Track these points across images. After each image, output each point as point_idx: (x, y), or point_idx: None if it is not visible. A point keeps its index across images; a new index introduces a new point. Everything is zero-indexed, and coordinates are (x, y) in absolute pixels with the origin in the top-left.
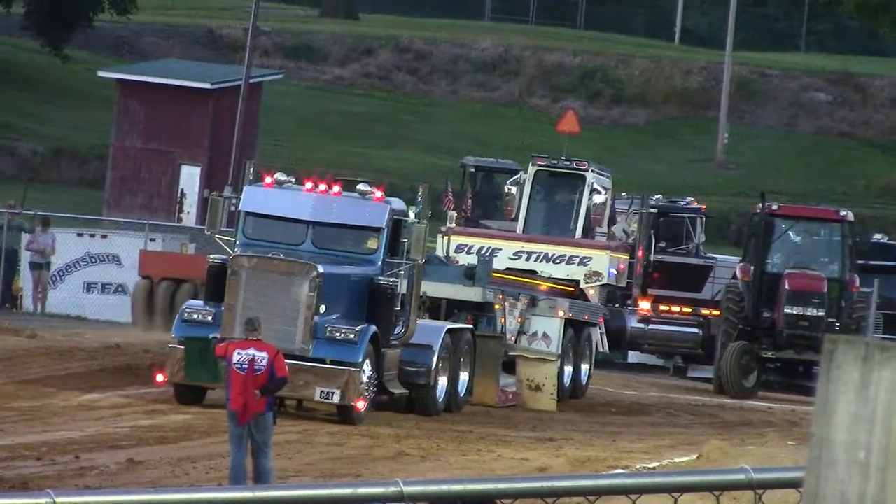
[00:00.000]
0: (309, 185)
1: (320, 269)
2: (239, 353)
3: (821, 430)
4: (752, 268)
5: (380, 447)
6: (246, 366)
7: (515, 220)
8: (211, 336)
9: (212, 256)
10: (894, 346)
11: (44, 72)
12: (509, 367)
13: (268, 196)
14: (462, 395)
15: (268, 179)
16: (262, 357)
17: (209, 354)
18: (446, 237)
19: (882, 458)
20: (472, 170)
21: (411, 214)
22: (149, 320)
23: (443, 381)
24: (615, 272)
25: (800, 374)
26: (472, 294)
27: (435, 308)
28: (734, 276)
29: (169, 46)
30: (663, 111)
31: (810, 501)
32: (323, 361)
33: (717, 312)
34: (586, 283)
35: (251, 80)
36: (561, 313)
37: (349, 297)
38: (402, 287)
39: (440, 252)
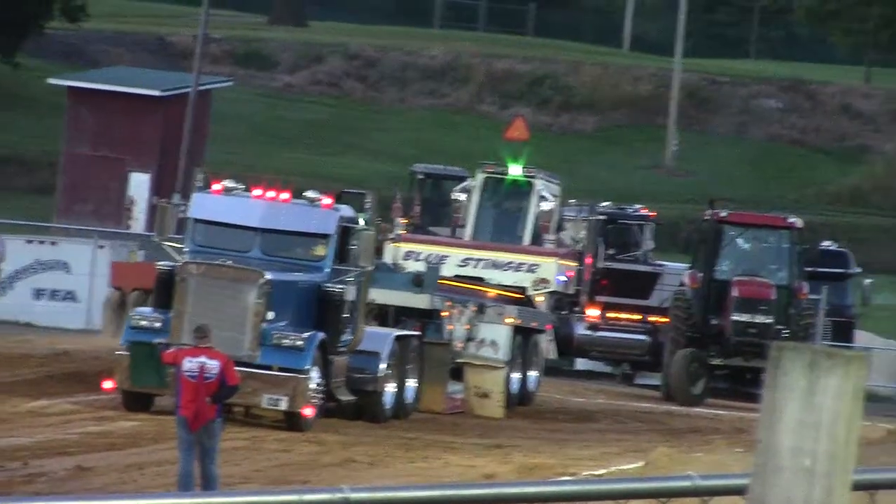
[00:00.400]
0: (258, 192)
1: (268, 276)
2: (189, 361)
3: (767, 436)
4: (701, 275)
5: (327, 454)
6: (196, 373)
7: (464, 227)
8: (156, 341)
9: (160, 263)
10: (840, 354)
11: None
12: (457, 373)
13: (216, 203)
14: (410, 402)
15: (216, 186)
16: (213, 365)
17: (155, 360)
18: (395, 244)
19: (827, 464)
20: (421, 177)
21: (360, 221)
22: (119, 330)
23: (391, 388)
24: (563, 279)
25: (748, 381)
26: (420, 301)
27: (383, 315)
28: (682, 283)
29: (119, 54)
30: (613, 118)
31: None
32: (271, 368)
33: (665, 319)
34: (534, 290)
35: (201, 88)
36: (509, 320)
37: (297, 303)
38: (351, 294)
39: (388, 259)
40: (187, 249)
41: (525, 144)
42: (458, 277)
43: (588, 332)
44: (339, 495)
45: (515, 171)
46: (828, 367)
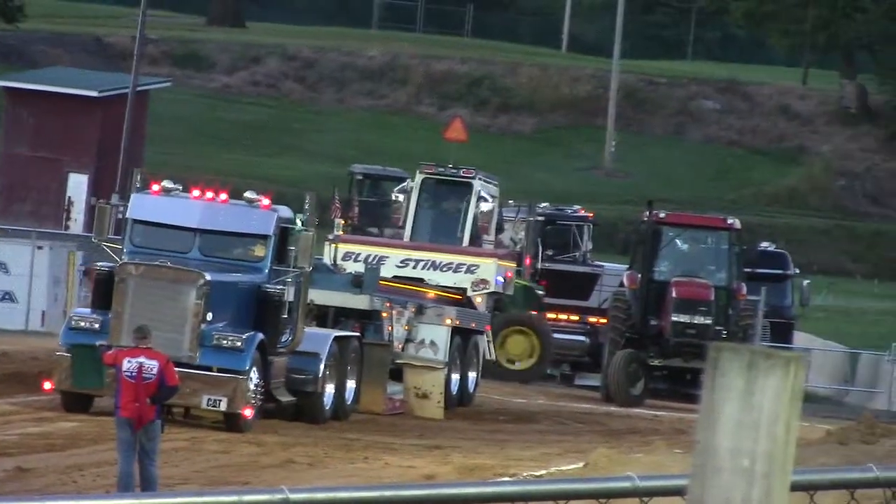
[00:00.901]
0: (196, 192)
1: (207, 276)
2: (129, 361)
3: (705, 437)
4: (640, 276)
5: (267, 455)
6: (135, 374)
7: (403, 227)
8: (98, 343)
9: (98, 264)
10: (779, 355)
11: None
12: (397, 374)
13: (155, 204)
14: (349, 402)
15: (155, 187)
16: (152, 365)
17: (96, 362)
18: (333, 245)
19: (766, 464)
20: (360, 177)
21: (298, 222)
22: None
23: (330, 389)
24: (502, 280)
25: (687, 381)
26: (359, 302)
27: (322, 316)
28: (621, 284)
29: (57, 54)
30: (551, 119)
31: None
32: (210, 369)
33: (604, 320)
34: (473, 290)
35: (138, 88)
36: (448, 321)
37: (236, 304)
38: (290, 295)
39: (327, 260)
40: (126, 250)
41: (463, 145)
42: (397, 278)
43: None
44: (279, 496)
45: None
46: (766, 368)
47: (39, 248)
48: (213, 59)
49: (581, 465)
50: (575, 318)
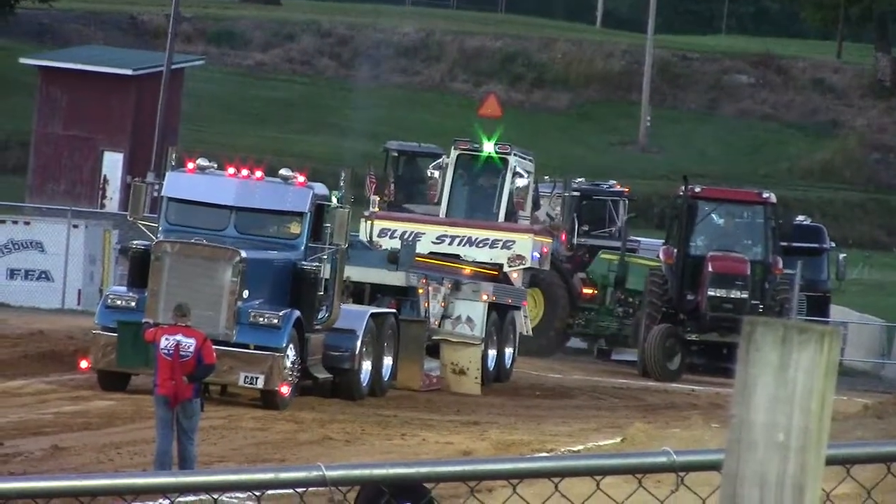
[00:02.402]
0: (231, 170)
1: (243, 254)
2: (166, 339)
3: (740, 412)
4: (676, 251)
5: (304, 432)
6: (172, 351)
7: (438, 204)
8: (143, 321)
9: (134, 242)
10: (812, 328)
11: None
12: (433, 351)
13: (190, 182)
14: (386, 379)
15: (190, 165)
16: (189, 343)
17: (140, 340)
18: (369, 222)
19: (801, 439)
20: (395, 154)
21: (334, 199)
22: None
23: (367, 366)
24: (538, 255)
25: (723, 356)
26: (395, 278)
27: (359, 293)
28: (657, 259)
29: (90, 33)
30: (585, 94)
31: (730, 483)
32: (247, 347)
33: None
34: (510, 266)
35: (173, 67)
36: (484, 297)
37: (272, 282)
38: (326, 272)
39: (363, 237)
40: (161, 228)
41: (498, 121)
42: (433, 254)
43: None
44: (315, 473)
45: (489, 147)
46: (800, 342)
47: (75, 226)
48: (248, 36)
49: (618, 440)
50: None
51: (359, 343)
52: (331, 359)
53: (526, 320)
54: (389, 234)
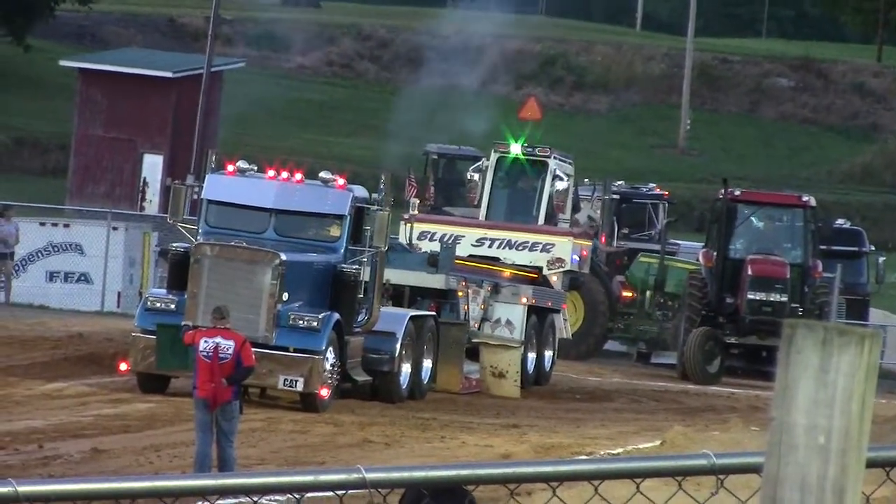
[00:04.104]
0: (271, 173)
1: (283, 256)
2: (205, 342)
3: (781, 414)
4: (715, 254)
5: (343, 435)
6: (211, 353)
7: (478, 206)
8: (183, 324)
9: (174, 245)
10: (853, 330)
11: (5, 62)
12: (473, 353)
13: (230, 184)
14: (426, 382)
15: (230, 168)
16: (228, 346)
17: (180, 342)
18: (409, 224)
19: (842, 441)
20: (435, 157)
21: (374, 202)
22: None
23: (406, 369)
24: (578, 258)
25: (763, 359)
26: (435, 281)
27: (398, 295)
28: (697, 262)
29: (130, 35)
30: (625, 98)
31: (771, 486)
32: (286, 349)
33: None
34: (549, 269)
35: (213, 69)
36: (524, 300)
37: (312, 284)
38: (365, 274)
39: (403, 239)
40: (201, 231)
41: (537, 124)
42: (472, 257)
43: None
44: (355, 475)
45: (516, 149)
46: (840, 344)
47: (115, 228)
48: (288, 39)
49: (657, 443)
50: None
51: (398, 346)
52: (370, 361)
53: (565, 323)
54: (429, 236)
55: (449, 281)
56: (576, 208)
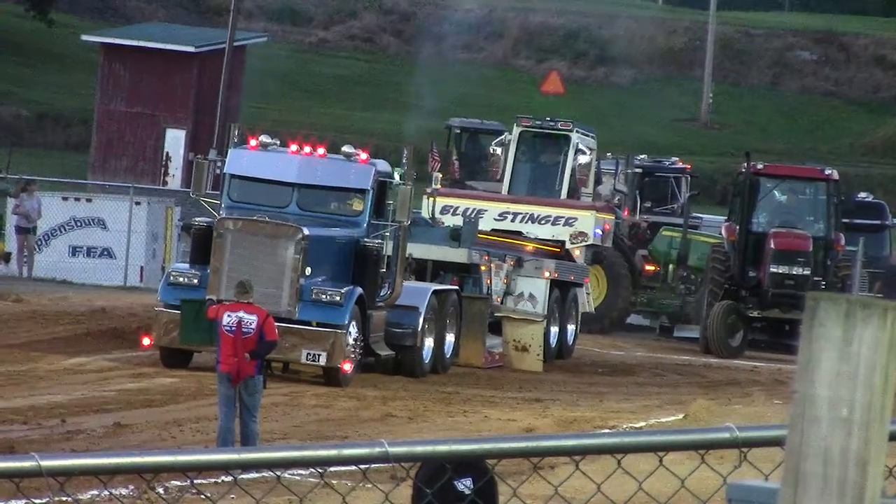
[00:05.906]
0: (294, 147)
1: (306, 231)
2: (229, 316)
3: (804, 387)
4: (738, 227)
5: (366, 409)
6: (234, 328)
7: (501, 181)
8: (206, 298)
9: (197, 219)
10: (876, 303)
11: (28, 36)
12: (495, 328)
13: (253, 159)
14: (448, 356)
15: (252, 142)
16: (251, 320)
17: (203, 317)
18: (432, 199)
19: (865, 414)
20: (458, 131)
21: (396, 176)
22: None
23: (429, 343)
24: (601, 232)
25: (786, 332)
26: (457, 255)
27: (421, 270)
28: (720, 236)
29: (152, 10)
30: (647, 71)
31: (794, 458)
32: (309, 324)
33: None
34: (572, 243)
35: (235, 44)
36: (547, 274)
37: (335, 259)
38: (388, 249)
39: (426, 214)
40: (224, 205)
41: (559, 98)
42: (495, 231)
43: None
44: (378, 450)
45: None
46: (863, 317)
47: (137, 203)
48: (310, 13)
49: (680, 416)
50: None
51: (421, 320)
52: (393, 336)
53: (588, 297)
54: (452, 210)
55: (472, 255)
56: (597, 182)
